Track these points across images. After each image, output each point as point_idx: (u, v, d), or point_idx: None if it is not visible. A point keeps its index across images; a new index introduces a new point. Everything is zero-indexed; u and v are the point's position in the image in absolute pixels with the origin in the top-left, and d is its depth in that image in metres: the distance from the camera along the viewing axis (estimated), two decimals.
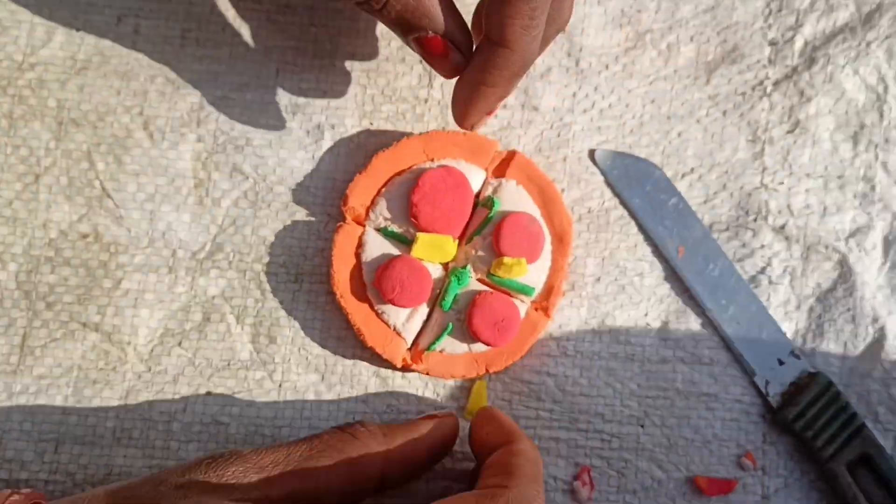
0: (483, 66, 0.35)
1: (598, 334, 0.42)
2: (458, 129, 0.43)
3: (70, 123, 0.42)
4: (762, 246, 0.42)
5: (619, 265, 0.42)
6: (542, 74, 0.44)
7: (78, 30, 0.43)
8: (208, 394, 0.41)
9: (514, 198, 0.41)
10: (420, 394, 0.41)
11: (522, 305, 0.41)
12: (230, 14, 0.43)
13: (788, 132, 0.43)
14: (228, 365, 0.41)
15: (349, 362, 0.41)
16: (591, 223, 0.43)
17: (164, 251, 0.42)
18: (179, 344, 0.41)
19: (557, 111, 0.43)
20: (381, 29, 0.44)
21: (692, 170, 0.43)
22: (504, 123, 0.43)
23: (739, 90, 0.44)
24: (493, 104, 0.37)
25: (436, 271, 0.41)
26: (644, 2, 0.44)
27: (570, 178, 0.43)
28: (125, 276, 0.41)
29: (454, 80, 0.37)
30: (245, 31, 0.43)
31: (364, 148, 0.43)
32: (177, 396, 0.40)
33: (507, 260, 0.40)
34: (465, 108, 0.37)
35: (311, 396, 0.41)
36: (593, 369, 0.41)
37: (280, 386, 0.41)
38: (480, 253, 0.41)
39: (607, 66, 0.44)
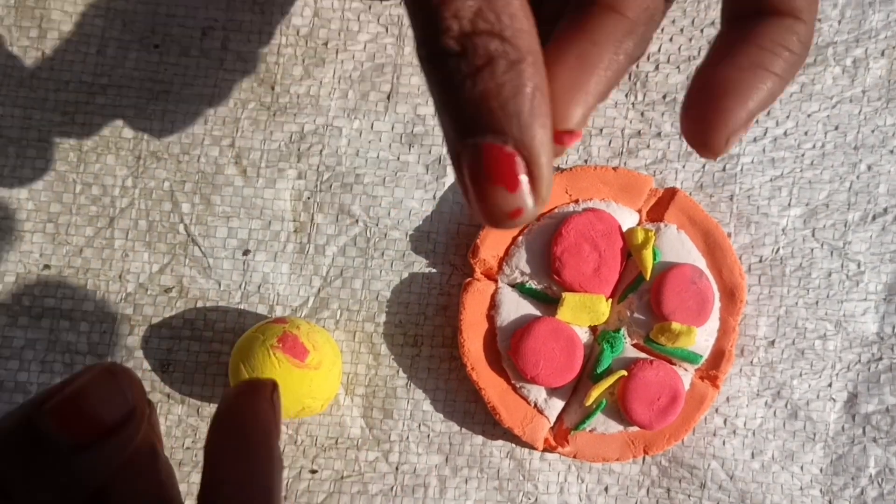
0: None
1: (773, 409, 0.35)
2: (604, 164, 0.36)
3: (150, 157, 0.36)
4: None
5: (797, 325, 0.36)
6: None
7: (156, 46, 0.37)
8: (313, 474, 0.35)
9: (675, 246, 0.35)
10: (563, 479, 0.35)
11: (686, 375, 0.34)
12: (334, 26, 0.37)
13: None
14: (336, 443, 0.35)
15: (478, 441, 0.35)
16: (762, 275, 0.36)
17: (259, 307, 0.35)
18: None
19: None
20: None
21: (885, 210, 0.36)
22: (659, 156, 0.36)
23: None
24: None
25: (582, 335, 0.34)
26: (825, 9, 0.37)
27: (737, 221, 0.36)
28: (214, 336, 0.35)
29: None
30: (352, 47, 0.37)
31: None
32: None
33: (675, 326, 0.33)
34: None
35: (433, 482, 0.35)
36: (767, 451, 0.35)
37: (397, 469, 0.35)
38: (637, 315, 0.34)
39: None
